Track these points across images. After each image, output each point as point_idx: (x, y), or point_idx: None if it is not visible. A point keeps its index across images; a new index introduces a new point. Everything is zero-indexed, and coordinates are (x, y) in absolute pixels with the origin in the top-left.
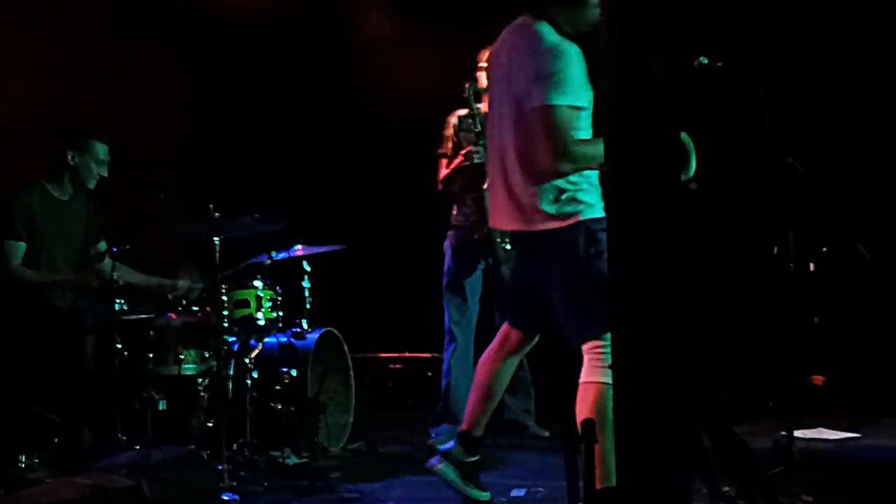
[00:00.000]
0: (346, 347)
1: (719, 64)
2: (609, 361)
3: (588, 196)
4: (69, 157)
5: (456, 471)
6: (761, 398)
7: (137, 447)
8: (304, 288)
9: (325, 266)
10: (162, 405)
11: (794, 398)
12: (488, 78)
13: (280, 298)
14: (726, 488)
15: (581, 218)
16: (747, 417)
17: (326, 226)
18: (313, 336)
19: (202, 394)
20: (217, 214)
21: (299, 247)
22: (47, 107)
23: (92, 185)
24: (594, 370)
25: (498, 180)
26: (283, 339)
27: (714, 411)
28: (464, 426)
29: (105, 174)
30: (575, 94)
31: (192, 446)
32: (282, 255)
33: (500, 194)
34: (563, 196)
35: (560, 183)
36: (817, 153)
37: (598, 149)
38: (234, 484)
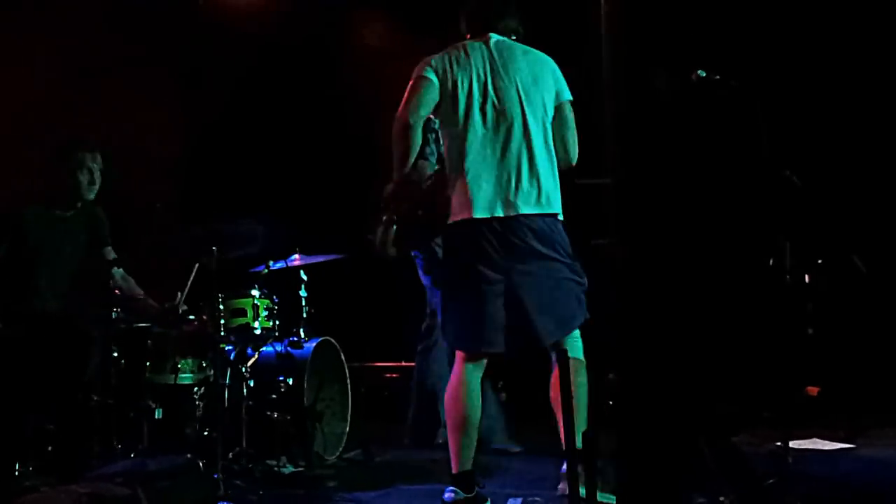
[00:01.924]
0: (342, 357)
1: (717, 77)
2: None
3: None
4: (59, 173)
5: None
6: (757, 409)
7: (133, 456)
8: (301, 297)
9: (322, 275)
10: (158, 414)
11: (790, 409)
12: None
13: (277, 308)
14: (722, 498)
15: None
16: (743, 428)
17: (324, 235)
18: (310, 345)
19: (198, 403)
20: (215, 224)
21: (297, 256)
22: (48, 119)
23: (90, 195)
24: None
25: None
26: (280, 349)
27: (713, 422)
28: (455, 468)
29: (97, 182)
30: None
31: (189, 455)
32: (279, 265)
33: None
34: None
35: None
36: (813, 166)
37: None
38: (230, 493)
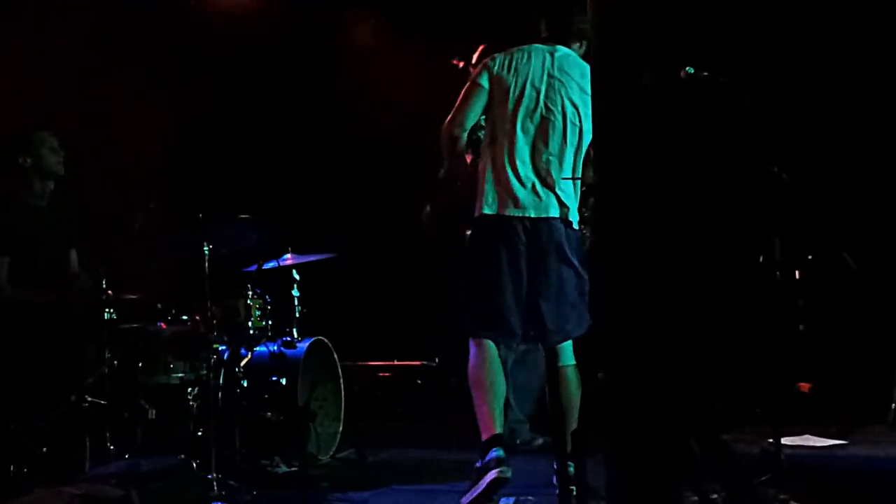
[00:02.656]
0: (335, 356)
1: (705, 74)
2: None
3: None
4: (22, 161)
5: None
6: (748, 406)
7: (127, 456)
8: (293, 297)
9: (314, 275)
10: (152, 414)
11: (781, 406)
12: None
13: (270, 307)
14: (714, 496)
15: None
16: (734, 425)
17: (316, 235)
18: (303, 345)
19: (192, 403)
20: (207, 224)
21: (289, 256)
22: (32, 121)
23: (60, 170)
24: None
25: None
26: (273, 348)
27: (703, 419)
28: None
29: (63, 156)
30: None
31: (182, 456)
32: (271, 264)
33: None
34: None
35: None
36: (802, 162)
37: None
38: (224, 493)
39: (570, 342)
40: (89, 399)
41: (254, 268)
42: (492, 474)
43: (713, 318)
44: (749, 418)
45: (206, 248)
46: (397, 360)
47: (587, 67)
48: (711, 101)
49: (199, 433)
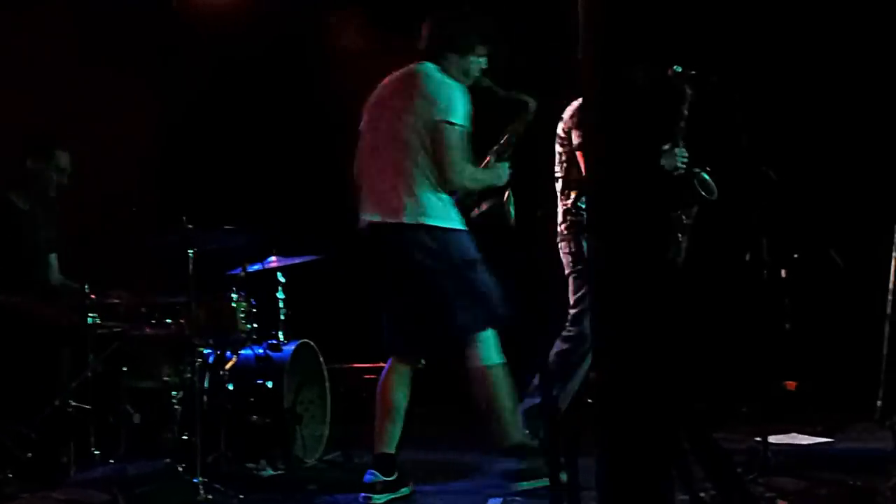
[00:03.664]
0: (321, 358)
1: (693, 72)
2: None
3: None
4: (28, 164)
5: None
6: (735, 404)
7: (112, 461)
8: (278, 299)
9: (299, 277)
10: (137, 419)
11: (767, 404)
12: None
13: (255, 310)
14: (703, 494)
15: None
16: (722, 424)
17: (301, 237)
18: (289, 347)
19: (177, 407)
20: (190, 226)
21: (274, 258)
22: (17, 119)
23: (52, 193)
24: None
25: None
26: (259, 351)
27: (694, 418)
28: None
29: (65, 182)
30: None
31: (168, 460)
32: (256, 267)
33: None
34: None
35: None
36: (790, 160)
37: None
38: (210, 497)
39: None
40: (73, 404)
41: (238, 270)
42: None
43: (701, 317)
44: (736, 417)
45: (190, 252)
46: (383, 363)
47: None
48: (701, 100)
49: (185, 437)
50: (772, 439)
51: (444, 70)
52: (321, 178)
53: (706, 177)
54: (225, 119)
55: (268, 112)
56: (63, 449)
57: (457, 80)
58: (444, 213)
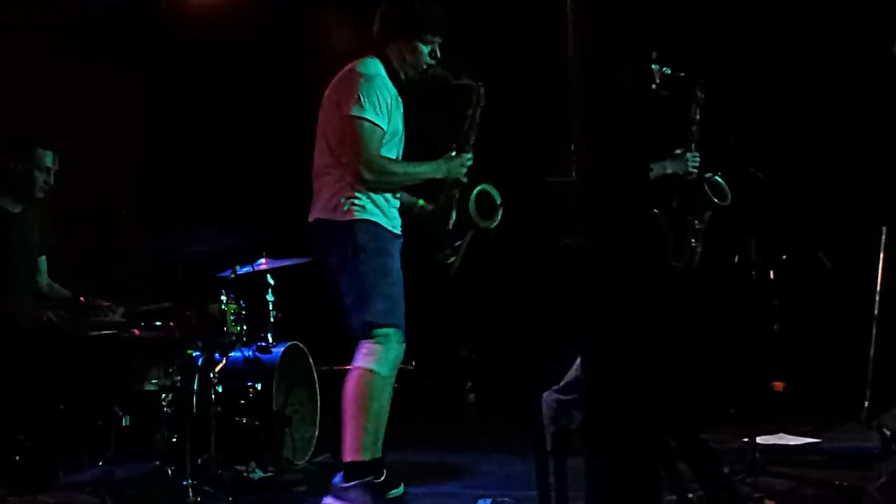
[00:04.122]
0: (311, 360)
1: (682, 74)
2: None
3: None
4: (11, 166)
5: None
6: (724, 405)
7: (101, 464)
8: (268, 301)
9: (289, 279)
10: (126, 421)
11: (756, 404)
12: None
13: (244, 312)
14: (691, 495)
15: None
16: (710, 424)
17: (290, 239)
18: (279, 350)
19: (166, 409)
20: (180, 229)
21: (263, 260)
22: (4, 122)
23: (39, 194)
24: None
25: None
26: (249, 353)
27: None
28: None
29: (51, 182)
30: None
31: (157, 462)
32: (246, 269)
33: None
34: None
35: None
36: (778, 161)
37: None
38: (199, 499)
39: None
40: (62, 407)
41: (228, 273)
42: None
43: (690, 318)
44: (725, 417)
45: (179, 254)
46: None
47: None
48: (689, 101)
49: (174, 439)
50: (760, 439)
51: (390, 61)
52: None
53: (720, 181)
54: (214, 121)
55: (257, 113)
56: (52, 452)
57: (404, 69)
58: (354, 209)
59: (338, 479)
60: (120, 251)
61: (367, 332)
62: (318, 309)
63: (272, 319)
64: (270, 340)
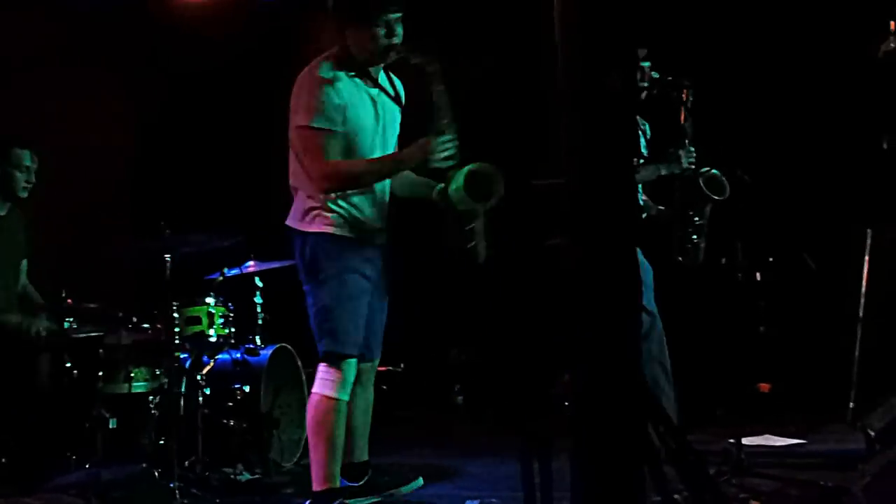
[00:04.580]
0: (299, 363)
1: (669, 78)
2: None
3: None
4: None
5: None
6: (710, 406)
7: (88, 466)
8: (256, 304)
9: (277, 282)
10: (112, 423)
11: (742, 406)
12: None
13: (232, 315)
14: (677, 496)
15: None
16: (696, 426)
17: (278, 241)
18: (266, 352)
19: (153, 411)
20: (168, 231)
21: (251, 263)
22: None
23: (22, 193)
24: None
25: None
26: (237, 356)
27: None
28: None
29: (33, 181)
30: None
31: (144, 464)
32: (234, 272)
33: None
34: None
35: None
36: (764, 164)
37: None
38: (186, 502)
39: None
40: (48, 409)
41: (216, 275)
42: None
43: (677, 320)
44: (711, 419)
45: (167, 256)
46: None
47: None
48: (676, 104)
49: (161, 442)
50: (745, 440)
51: (352, 54)
52: None
53: (717, 173)
54: (202, 122)
55: (245, 115)
56: (38, 454)
57: (364, 58)
58: (316, 220)
59: None
60: (107, 251)
61: (324, 357)
62: (306, 311)
63: (260, 322)
64: (258, 343)
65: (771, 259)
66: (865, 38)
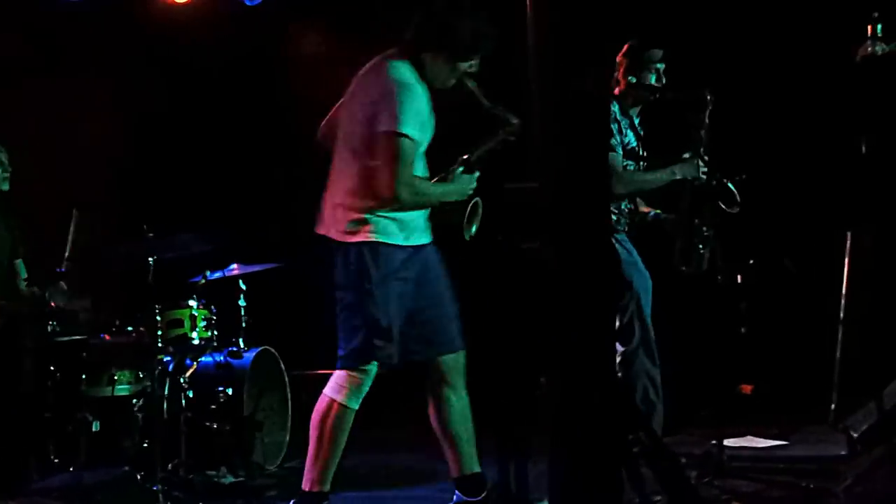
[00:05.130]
0: (282, 365)
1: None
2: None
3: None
4: None
5: None
6: (692, 408)
7: (71, 469)
8: (240, 307)
9: (261, 284)
10: (95, 427)
11: (724, 407)
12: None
13: (215, 318)
14: (658, 498)
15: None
16: (678, 427)
17: (262, 244)
18: (250, 355)
19: (136, 414)
20: (151, 234)
21: (235, 266)
22: None
23: (5, 186)
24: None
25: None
26: (220, 358)
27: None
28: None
29: (9, 170)
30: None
31: (127, 467)
32: (217, 275)
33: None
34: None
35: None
36: (744, 167)
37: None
38: None
39: None
40: (31, 412)
41: (199, 278)
42: None
43: (657, 322)
44: (693, 420)
45: (150, 259)
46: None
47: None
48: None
49: (144, 445)
50: (727, 442)
51: (420, 68)
52: (283, 185)
53: (731, 186)
54: (185, 126)
55: (228, 119)
56: (21, 458)
57: (432, 80)
58: (364, 229)
59: None
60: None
61: (348, 364)
62: (290, 314)
63: (244, 325)
64: (241, 345)
65: (752, 261)
66: (845, 42)
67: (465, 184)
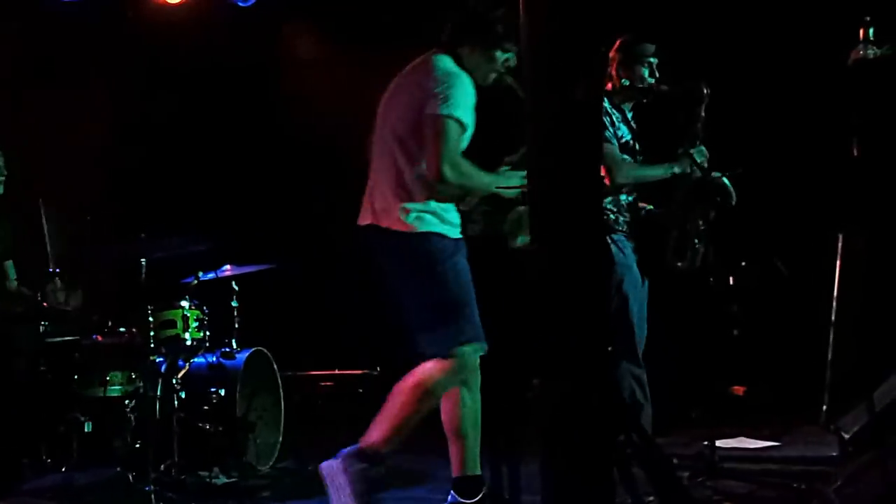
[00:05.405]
0: (275, 366)
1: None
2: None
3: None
4: None
5: None
6: (684, 409)
7: (63, 470)
8: (232, 308)
9: (254, 285)
10: (88, 427)
11: (716, 408)
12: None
13: (207, 318)
14: (651, 499)
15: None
16: (670, 429)
17: (255, 245)
18: (242, 356)
19: (129, 415)
20: (143, 235)
21: (228, 267)
22: None
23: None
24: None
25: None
26: (213, 359)
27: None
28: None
29: (5, 174)
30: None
31: (119, 468)
32: (210, 276)
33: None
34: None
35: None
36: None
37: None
38: None
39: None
40: (23, 412)
41: (192, 279)
42: None
43: (649, 323)
44: (685, 421)
45: (143, 261)
46: (339, 370)
47: (436, 57)
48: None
49: (137, 445)
50: (719, 443)
51: (461, 62)
52: (276, 186)
53: (726, 181)
54: (179, 128)
55: (222, 121)
56: (13, 458)
57: (474, 75)
58: (419, 219)
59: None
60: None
61: (442, 352)
62: (283, 315)
63: (237, 325)
64: (234, 346)
65: (743, 263)
66: (837, 46)
67: (512, 179)
